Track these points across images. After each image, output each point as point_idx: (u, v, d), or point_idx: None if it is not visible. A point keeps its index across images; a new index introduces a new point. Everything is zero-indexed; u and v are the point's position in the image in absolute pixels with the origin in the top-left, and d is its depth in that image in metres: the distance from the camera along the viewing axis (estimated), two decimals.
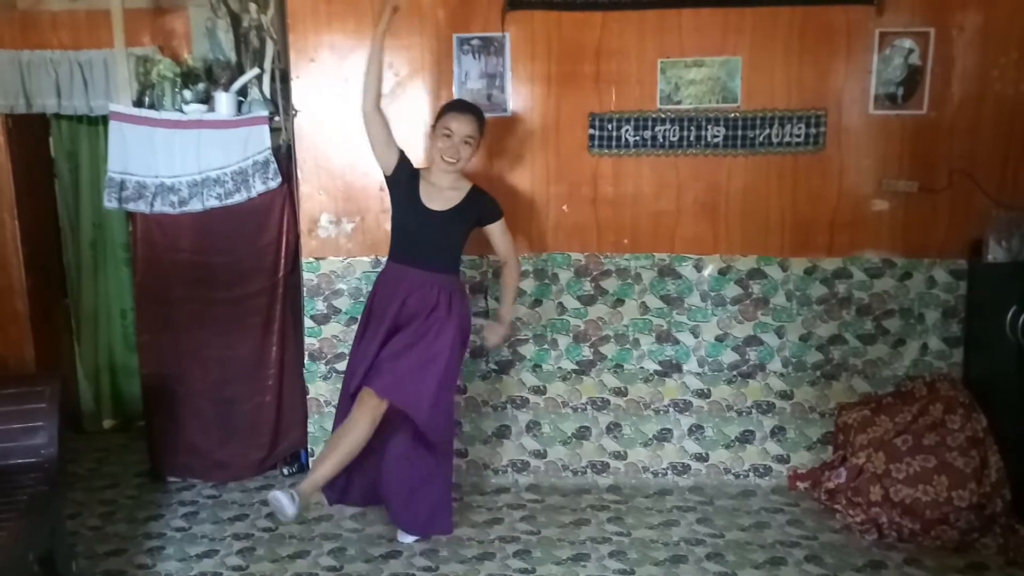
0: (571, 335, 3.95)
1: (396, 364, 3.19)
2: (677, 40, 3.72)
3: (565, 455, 4.02)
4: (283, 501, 3.02)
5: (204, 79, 3.95)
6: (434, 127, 3.37)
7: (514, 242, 3.55)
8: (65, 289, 4.74)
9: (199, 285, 3.92)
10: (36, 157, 4.53)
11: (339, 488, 3.47)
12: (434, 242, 3.33)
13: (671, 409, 3.98)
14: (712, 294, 3.90)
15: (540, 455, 4.03)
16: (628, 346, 3.95)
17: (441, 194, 3.34)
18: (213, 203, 3.85)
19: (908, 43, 3.68)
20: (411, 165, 3.39)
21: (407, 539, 3.46)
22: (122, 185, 3.82)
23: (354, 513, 3.71)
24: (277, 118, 3.89)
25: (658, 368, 3.96)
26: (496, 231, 3.46)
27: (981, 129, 3.72)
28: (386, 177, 3.39)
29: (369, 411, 3.17)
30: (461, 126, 3.27)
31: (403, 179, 3.35)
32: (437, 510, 3.41)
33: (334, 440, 3.23)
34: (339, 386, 3.96)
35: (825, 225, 3.83)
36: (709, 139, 3.79)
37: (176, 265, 3.91)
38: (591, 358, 3.96)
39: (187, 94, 3.85)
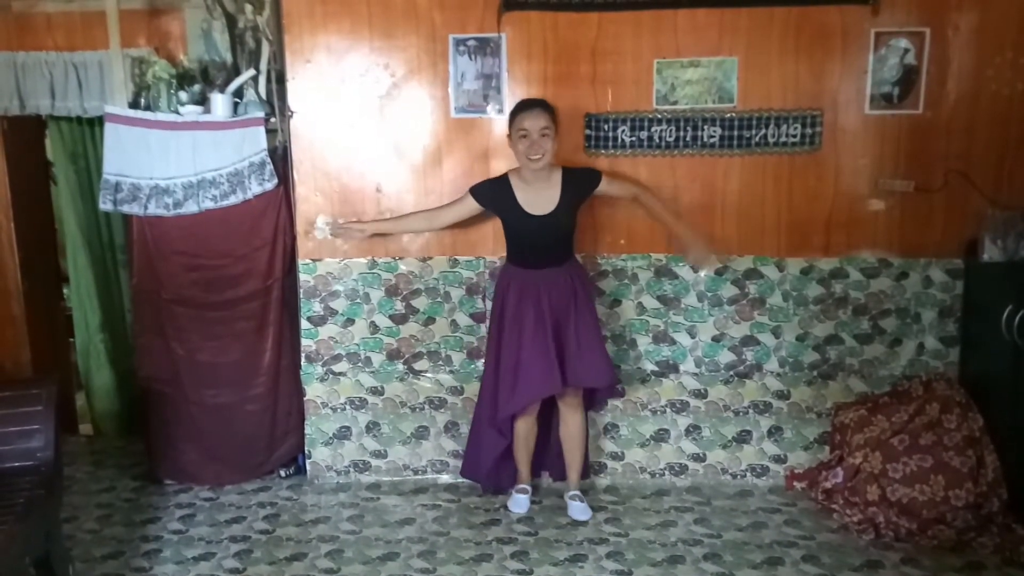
0: None
1: (589, 356, 3.51)
2: (673, 40, 3.72)
3: None
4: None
5: (200, 80, 3.94)
6: (510, 134, 3.48)
7: (628, 179, 3.73)
8: (62, 292, 4.72)
9: (195, 287, 3.92)
10: (32, 159, 4.52)
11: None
12: (550, 242, 3.54)
13: (668, 409, 3.98)
14: (709, 294, 3.91)
15: None
16: (625, 346, 3.95)
17: (539, 196, 3.49)
18: (208, 205, 3.84)
19: (904, 43, 3.69)
20: (489, 187, 3.58)
21: (584, 516, 3.66)
22: (117, 187, 3.81)
23: (351, 515, 3.71)
24: (273, 119, 3.89)
25: (655, 368, 3.96)
26: (607, 190, 3.63)
27: (977, 129, 3.73)
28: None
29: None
30: (534, 122, 3.39)
31: (495, 201, 3.57)
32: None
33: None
34: (336, 388, 3.98)
35: (821, 225, 3.83)
36: (705, 139, 3.79)
37: (172, 267, 3.90)
38: None
39: (183, 95, 3.84)
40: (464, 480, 3.98)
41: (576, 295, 3.54)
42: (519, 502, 3.73)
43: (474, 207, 3.61)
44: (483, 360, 3.86)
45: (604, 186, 3.60)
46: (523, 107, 3.47)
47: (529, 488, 3.80)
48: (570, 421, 3.70)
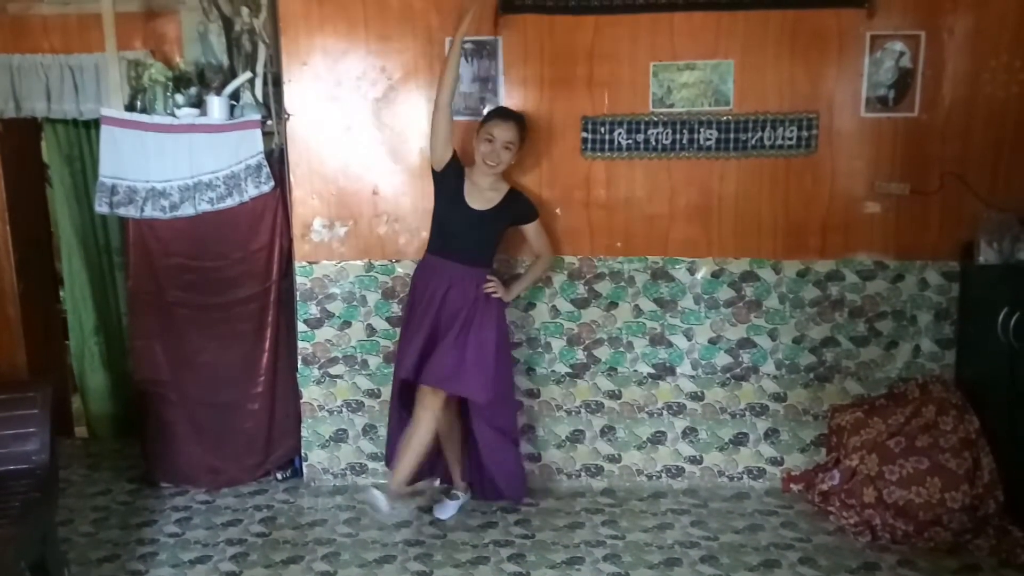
0: (565, 338, 3.95)
1: (451, 358, 3.41)
2: (669, 43, 3.73)
3: (559, 458, 4.02)
4: (377, 498, 3.51)
5: (196, 83, 3.94)
6: (478, 131, 3.53)
7: (550, 242, 3.73)
8: (58, 295, 4.71)
9: (192, 290, 3.91)
10: (27, 161, 4.51)
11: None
12: (472, 238, 3.53)
13: (665, 412, 3.98)
14: (705, 297, 3.91)
15: (535, 459, 4.02)
16: (622, 349, 3.95)
17: (482, 194, 3.53)
18: (205, 207, 3.84)
19: (899, 46, 3.70)
20: (460, 164, 3.55)
21: (444, 515, 3.67)
22: (113, 190, 3.81)
23: (348, 518, 3.70)
24: (269, 122, 3.89)
25: (652, 371, 3.96)
26: (531, 231, 3.66)
27: (972, 132, 3.74)
28: (434, 173, 3.55)
29: (428, 407, 3.44)
30: (502, 132, 3.46)
31: (451, 177, 3.53)
32: (511, 478, 3.74)
33: (406, 441, 3.48)
34: (332, 391, 3.99)
35: (817, 228, 3.84)
36: (701, 142, 3.79)
37: (169, 270, 3.90)
38: (585, 361, 3.96)
39: (179, 98, 3.84)
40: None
41: (477, 304, 3.48)
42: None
43: (444, 156, 3.46)
44: None
45: (530, 228, 3.63)
46: (498, 115, 3.53)
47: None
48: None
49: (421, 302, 3.52)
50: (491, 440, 3.63)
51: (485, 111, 3.76)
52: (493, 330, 3.52)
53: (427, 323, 3.46)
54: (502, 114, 3.54)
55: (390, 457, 3.74)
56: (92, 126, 4.40)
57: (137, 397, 4.08)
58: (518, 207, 3.60)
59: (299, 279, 3.94)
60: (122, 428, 4.77)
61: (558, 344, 3.95)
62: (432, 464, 3.76)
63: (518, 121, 3.53)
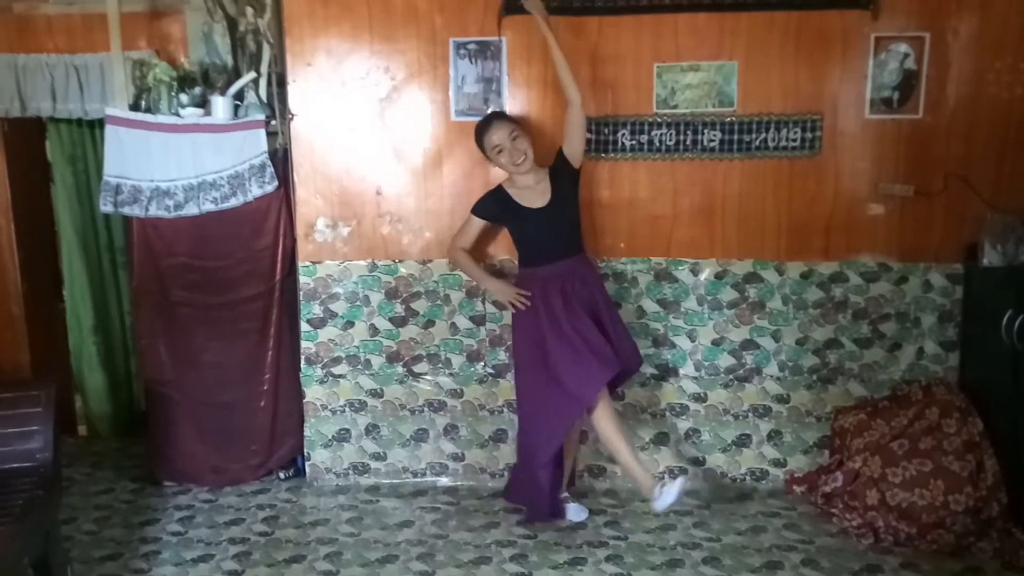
0: None
1: (622, 342, 3.53)
2: (673, 44, 3.73)
3: None
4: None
5: (200, 83, 3.94)
6: (486, 156, 3.56)
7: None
8: (61, 294, 4.73)
9: (196, 289, 3.92)
10: (32, 161, 4.52)
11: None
12: (558, 231, 3.55)
13: (668, 413, 3.98)
14: (708, 298, 3.91)
15: None
16: None
17: (533, 192, 3.55)
18: (209, 207, 3.85)
19: (903, 47, 3.69)
20: (489, 200, 3.61)
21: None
22: (117, 189, 3.82)
23: (350, 518, 3.71)
24: (273, 122, 3.89)
25: (655, 372, 3.96)
26: (571, 148, 3.53)
27: (976, 133, 3.73)
28: (489, 224, 3.68)
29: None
30: (501, 133, 3.46)
31: (496, 210, 3.60)
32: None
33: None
34: (335, 390, 3.99)
35: (821, 229, 3.83)
36: (705, 143, 3.79)
37: (173, 269, 3.91)
38: None
39: (183, 98, 3.85)
40: (463, 483, 4.00)
41: (599, 286, 3.61)
42: (579, 509, 3.69)
43: (481, 223, 3.63)
44: (485, 366, 3.93)
45: (567, 148, 3.52)
46: (484, 127, 3.51)
47: (570, 498, 3.76)
48: (601, 413, 3.42)
49: (543, 318, 3.44)
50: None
51: (489, 111, 3.74)
52: (611, 302, 3.66)
53: (568, 331, 3.40)
54: (485, 124, 3.51)
55: (542, 515, 3.62)
56: (95, 126, 4.41)
57: (145, 395, 4.08)
58: (557, 167, 3.55)
59: (302, 279, 3.95)
60: (122, 428, 4.78)
61: None
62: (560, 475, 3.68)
63: (499, 116, 3.57)
